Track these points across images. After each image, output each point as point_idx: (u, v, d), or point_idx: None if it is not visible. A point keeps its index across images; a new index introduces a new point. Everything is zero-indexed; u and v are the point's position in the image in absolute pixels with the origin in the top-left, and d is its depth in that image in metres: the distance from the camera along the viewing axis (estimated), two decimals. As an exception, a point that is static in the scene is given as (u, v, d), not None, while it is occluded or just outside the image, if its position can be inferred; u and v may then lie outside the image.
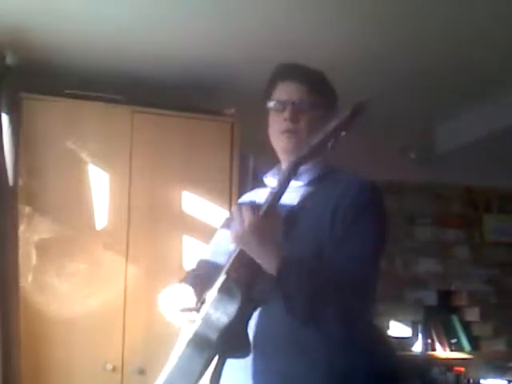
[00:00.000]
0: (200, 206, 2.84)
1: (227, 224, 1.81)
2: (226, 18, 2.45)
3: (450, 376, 3.86)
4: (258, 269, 1.40)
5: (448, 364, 3.89)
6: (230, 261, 1.43)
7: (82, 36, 2.61)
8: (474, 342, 4.04)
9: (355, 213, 1.46)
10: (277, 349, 1.47)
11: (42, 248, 2.65)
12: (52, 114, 2.75)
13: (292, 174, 1.42)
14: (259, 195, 1.69)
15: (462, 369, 3.87)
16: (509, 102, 3.18)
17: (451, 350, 3.96)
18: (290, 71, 1.66)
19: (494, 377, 3.89)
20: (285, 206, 1.51)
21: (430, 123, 3.74)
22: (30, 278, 2.60)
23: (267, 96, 1.68)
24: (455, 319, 4.07)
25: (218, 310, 1.40)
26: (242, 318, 1.41)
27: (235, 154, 2.92)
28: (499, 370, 3.95)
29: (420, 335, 3.93)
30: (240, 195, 2.95)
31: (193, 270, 1.82)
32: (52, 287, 2.63)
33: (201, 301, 1.51)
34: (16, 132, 2.63)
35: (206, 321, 1.41)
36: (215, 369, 1.45)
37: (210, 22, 2.48)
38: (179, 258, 2.80)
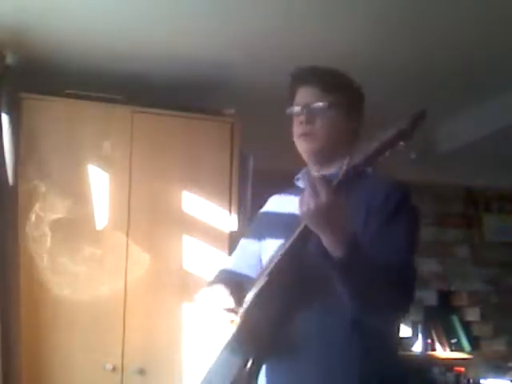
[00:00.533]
0: (200, 205, 2.84)
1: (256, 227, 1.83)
2: (226, 17, 2.45)
3: (450, 376, 3.87)
4: (300, 271, 1.40)
5: (448, 364, 3.90)
6: (273, 263, 1.43)
7: (81, 36, 2.61)
8: (474, 342, 4.04)
9: (389, 212, 1.47)
10: (311, 351, 1.47)
11: (41, 246, 2.65)
12: (52, 114, 2.75)
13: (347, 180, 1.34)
14: (289, 198, 1.73)
15: (462, 369, 3.87)
16: (509, 102, 3.18)
17: (451, 350, 3.96)
18: (304, 75, 1.68)
19: (494, 377, 3.90)
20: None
21: (430, 123, 3.74)
22: (29, 278, 2.60)
23: (290, 102, 1.71)
24: (455, 319, 4.08)
25: (256, 314, 1.41)
26: (279, 323, 1.43)
27: (235, 154, 2.92)
28: (499, 369, 3.95)
29: (420, 335, 3.94)
30: (240, 195, 2.97)
31: (221, 273, 1.82)
32: (52, 288, 2.63)
33: (240, 303, 1.51)
34: (16, 132, 2.63)
35: (245, 324, 1.42)
36: (252, 372, 1.46)
37: (210, 21, 2.48)
38: (179, 257, 2.80)
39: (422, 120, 1.27)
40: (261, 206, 1.88)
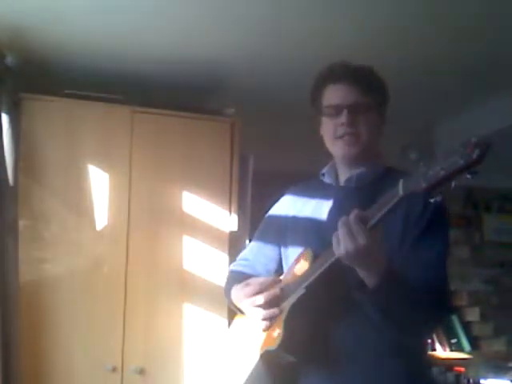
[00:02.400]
0: (200, 206, 2.84)
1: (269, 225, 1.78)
2: (226, 18, 2.45)
3: (450, 376, 3.86)
4: (337, 285, 1.40)
5: (448, 364, 3.90)
6: (312, 277, 1.41)
7: (81, 36, 2.60)
8: (474, 342, 4.04)
9: (427, 220, 1.46)
10: (355, 361, 1.46)
11: (41, 246, 2.65)
12: (52, 114, 2.75)
13: (400, 202, 1.28)
14: (311, 186, 1.70)
15: (462, 369, 3.87)
16: (509, 102, 3.18)
17: (451, 350, 3.96)
18: (340, 73, 1.59)
19: (494, 377, 3.89)
20: (344, 209, 1.50)
21: (430, 123, 3.74)
22: (28, 277, 2.60)
23: (316, 100, 1.63)
24: (455, 319, 4.07)
25: (295, 325, 1.41)
26: (313, 336, 1.42)
27: (235, 154, 2.92)
28: (499, 369, 3.95)
29: (420, 335, 3.93)
30: (240, 195, 2.96)
31: (239, 275, 1.76)
32: (52, 288, 2.63)
33: (274, 311, 1.49)
34: (16, 132, 2.63)
35: (286, 333, 1.42)
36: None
37: (210, 22, 2.48)
38: (179, 257, 2.80)
39: (488, 152, 1.17)
40: (261, 206, 1.84)
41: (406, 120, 3.49)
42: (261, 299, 1.50)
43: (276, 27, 2.52)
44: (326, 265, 1.38)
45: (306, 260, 1.51)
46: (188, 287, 2.77)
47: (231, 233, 2.84)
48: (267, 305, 1.50)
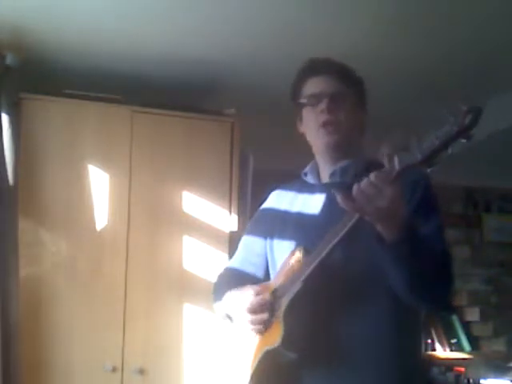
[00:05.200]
0: (200, 206, 2.84)
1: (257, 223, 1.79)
2: (226, 17, 2.45)
3: (450, 376, 3.86)
4: (333, 276, 1.40)
5: (448, 364, 3.90)
6: (308, 269, 1.41)
7: (81, 36, 2.61)
8: (474, 342, 4.04)
9: (426, 204, 1.49)
10: (351, 355, 1.46)
11: (41, 246, 2.65)
12: (52, 114, 2.75)
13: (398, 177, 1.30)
14: (294, 187, 1.71)
15: (462, 369, 3.87)
16: (509, 102, 3.18)
17: (451, 350, 3.96)
18: (320, 65, 1.64)
19: (494, 377, 3.89)
20: (335, 204, 1.51)
21: (431, 123, 3.74)
22: (28, 277, 2.60)
23: (297, 93, 1.65)
24: (455, 319, 4.07)
25: (294, 319, 1.41)
26: (317, 328, 1.42)
27: (235, 154, 2.92)
28: (499, 369, 3.95)
29: (420, 335, 3.93)
30: (240, 195, 2.96)
31: (227, 273, 1.80)
32: (51, 287, 2.63)
33: (272, 309, 1.50)
34: (16, 132, 2.63)
35: (286, 328, 1.42)
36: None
37: (210, 21, 2.48)
38: (179, 257, 2.80)
39: (480, 116, 1.23)
40: (261, 203, 1.84)
41: (406, 120, 3.49)
42: (251, 307, 1.51)
43: (276, 27, 2.52)
44: (326, 251, 1.39)
45: (298, 257, 1.51)
46: (188, 287, 2.77)
47: (231, 233, 2.84)
48: (257, 311, 1.51)
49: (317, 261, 1.41)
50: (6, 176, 2.57)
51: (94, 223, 2.72)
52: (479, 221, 4.34)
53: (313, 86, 1.62)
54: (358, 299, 1.46)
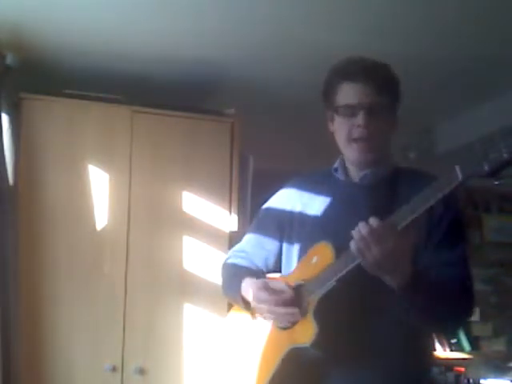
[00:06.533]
0: (200, 206, 2.84)
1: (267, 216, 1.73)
2: (226, 17, 2.45)
3: (450, 376, 3.86)
4: (361, 276, 1.36)
5: (448, 364, 3.89)
6: (343, 270, 1.37)
7: (81, 36, 2.61)
8: (474, 342, 4.03)
9: (450, 220, 1.46)
10: (370, 357, 1.45)
11: (41, 246, 2.65)
12: (52, 114, 2.75)
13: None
14: (316, 180, 1.66)
15: (462, 369, 3.86)
16: (509, 102, 3.18)
17: (451, 350, 3.95)
18: (356, 69, 1.52)
19: (494, 377, 3.89)
20: (358, 207, 1.49)
21: (430, 123, 3.74)
22: (28, 276, 2.60)
23: (329, 95, 1.57)
24: (455, 319, 4.06)
25: (321, 322, 1.39)
26: (339, 332, 1.40)
27: (235, 154, 2.92)
28: (499, 369, 3.95)
29: (420, 335, 3.92)
30: (240, 195, 2.96)
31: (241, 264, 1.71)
32: (51, 287, 2.63)
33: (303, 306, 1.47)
34: (16, 132, 2.63)
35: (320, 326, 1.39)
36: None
37: (210, 21, 2.48)
38: (179, 257, 2.80)
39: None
40: (261, 206, 1.81)
41: (406, 120, 3.49)
42: (278, 309, 1.47)
43: (276, 27, 2.52)
44: (352, 265, 1.35)
45: (325, 253, 1.46)
46: (188, 287, 2.78)
47: (231, 233, 2.84)
48: (288, 305, 1.47)
49: (353, 264, 1.35)
50: (6, 176, 2.57)
51: (94, 223, 2.72)
52: (479, 221, 4.33)
53: (349, 94, 1.52)
54: (384, 299, 1.41)
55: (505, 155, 1.12)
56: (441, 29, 2.51)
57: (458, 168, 1.20)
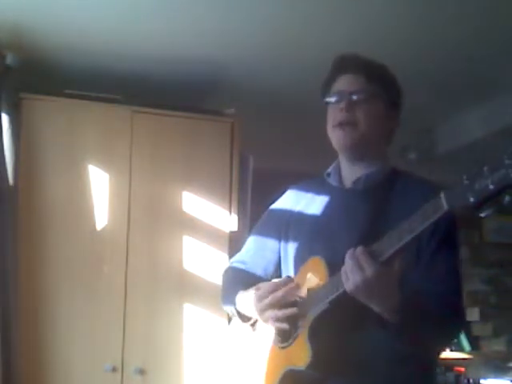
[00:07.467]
0: (200, 206, 2.84)
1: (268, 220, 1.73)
2: (226, 17, 2.45)
3: (450, 376, 3.86)
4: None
5: (448, 364, 3.89)
6: (336, 293, 1.35)
7: (81, 36, 2.61)
8: (474, 342, 4.04)
9: (439, 240, 1.42)
10: (368, 371, 1.43)
11: (41, 246, 2.65)
12: (52, 114, 2.75)
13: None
14: (314, 186, 1.65)
15: (462, 369, 3.87)
16: (508, 102, 3.18)
17: (451, 350, 3.96)
18: (347, 63, 1.57)
19: (494, 377, 3.90)
20: (352, 212, 1.48)
21: (430, 123, 3.74)
22: (28, 276, 2.60)
23: (326, 91, 1.60)
24: (455, 319, 4.06)
25: (315, 344, 1.37)
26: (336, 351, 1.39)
27: (235, 154, 2.92)
28: (499, 369, 3.95)
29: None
30: (240, 195, 2.96)
31: (237, 273, 1.71)
32: (51, 288, 2.63)
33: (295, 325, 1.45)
34: (16, 132, 2.63)
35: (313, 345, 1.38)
36: None
37: (210, 21, 2.48)
38: (179, 257, 2.80)
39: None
40: (261, 206, 1.81)
41: (406, 120, 3.49)
42: (278, 294, 1.45)
43: (276, 27, 2.52)
44: (342, 289, 1.32)
45: (317, 271, 1.44)
46: (188, 287, 2.77)
47: (231, 233, 2.84)
48: (283, 303, 1.45)
49: (343, 288, 1.32)
50: (6, 176, 2.57)
51: (94, 223, 2.72)
52: (479, 221, 4.34)
53: (339, 84, 1.56)
54: (375, 322, 1.38)
55: (491, 186, 1.09)
56: (440, 29, 2.51)
57: (443, 196, 1.17)
